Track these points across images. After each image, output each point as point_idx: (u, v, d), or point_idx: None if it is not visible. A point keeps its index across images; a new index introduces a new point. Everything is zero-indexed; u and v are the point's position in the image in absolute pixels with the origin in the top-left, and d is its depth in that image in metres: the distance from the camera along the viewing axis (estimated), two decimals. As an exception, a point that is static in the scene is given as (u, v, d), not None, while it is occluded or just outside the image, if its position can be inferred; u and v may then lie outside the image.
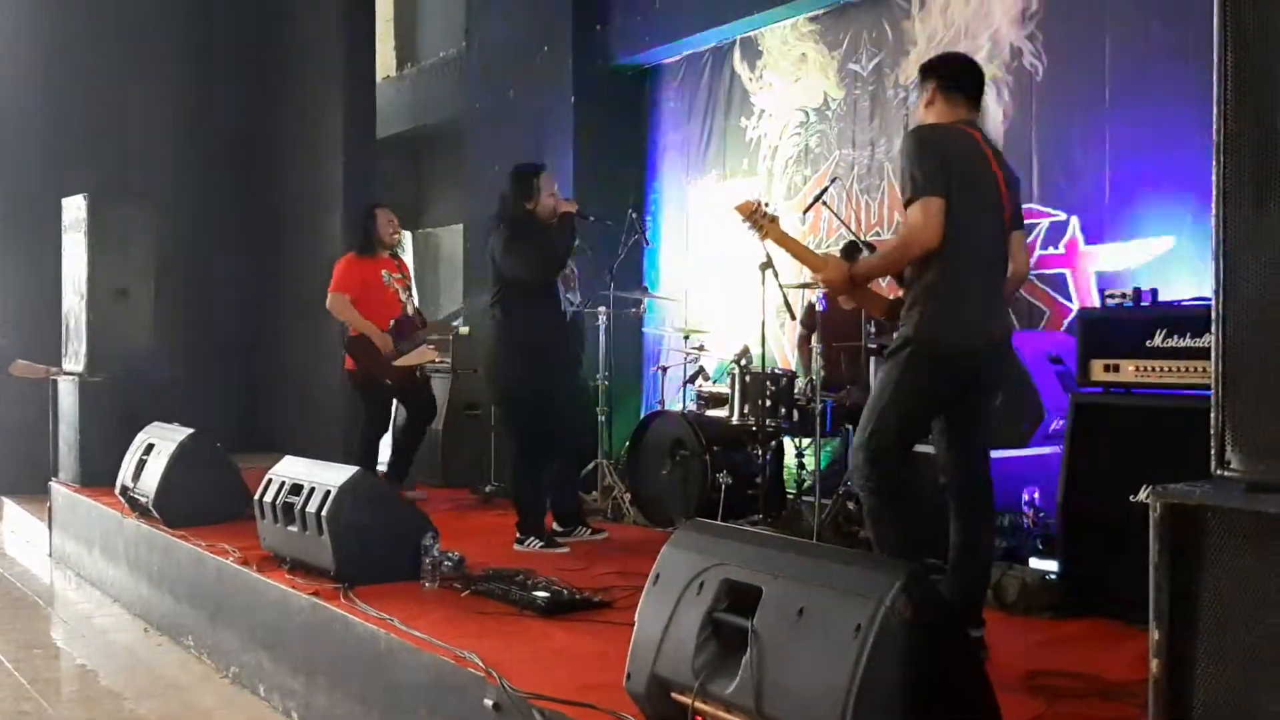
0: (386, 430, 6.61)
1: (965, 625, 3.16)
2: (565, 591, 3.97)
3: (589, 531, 5.32)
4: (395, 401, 6.55)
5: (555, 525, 5.29)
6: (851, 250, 6.10)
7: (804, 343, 6.27)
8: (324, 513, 4.19)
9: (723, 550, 2.60)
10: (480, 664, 3.14)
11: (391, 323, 6.23)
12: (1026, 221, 3.84)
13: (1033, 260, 5.27)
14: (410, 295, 6.42)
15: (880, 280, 4.06)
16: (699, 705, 2.43)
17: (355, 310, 6.18)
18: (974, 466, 3.40)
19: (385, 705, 3.52)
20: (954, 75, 3.40)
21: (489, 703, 3.02)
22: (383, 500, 4.38)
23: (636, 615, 2.68)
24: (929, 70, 3.45)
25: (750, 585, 2.45)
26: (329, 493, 4.23)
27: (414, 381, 6.47)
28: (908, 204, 3.21)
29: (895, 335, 3.35)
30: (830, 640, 2.21)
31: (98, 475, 6.76)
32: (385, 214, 6.41)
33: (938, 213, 3.13)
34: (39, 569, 6.98)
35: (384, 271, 6.29)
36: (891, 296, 3.51)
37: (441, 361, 7.03)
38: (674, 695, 2.52)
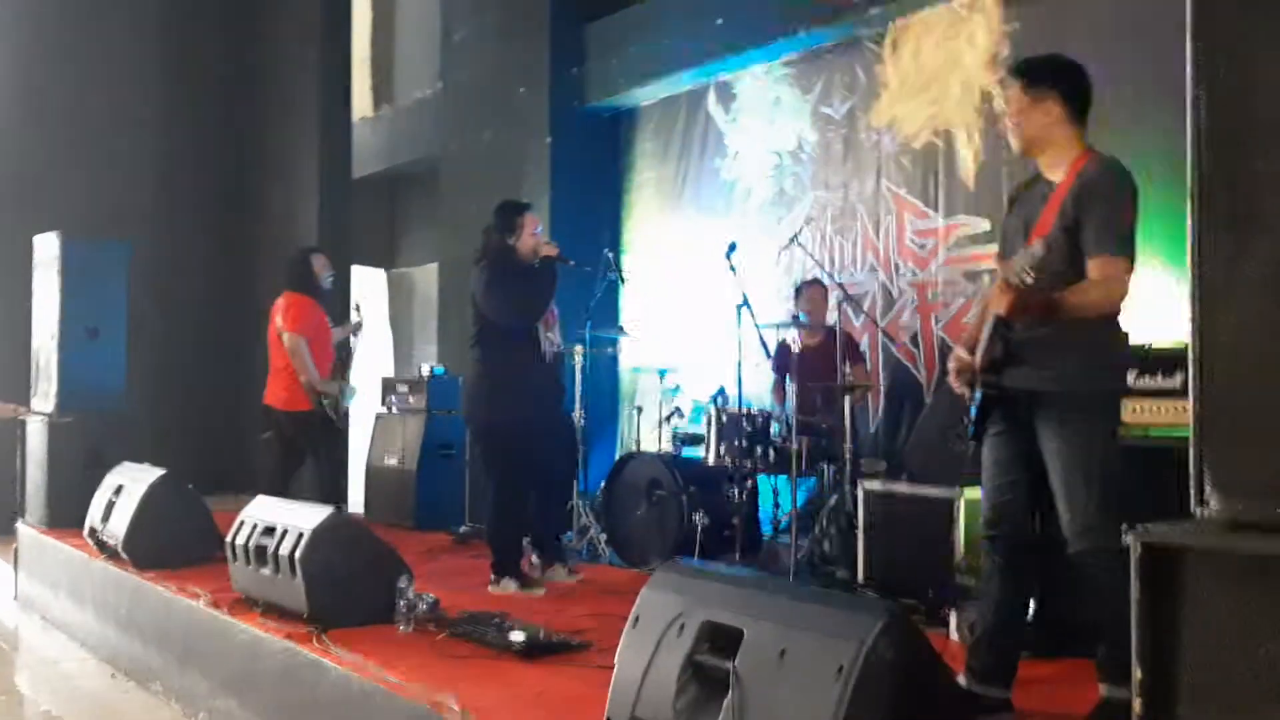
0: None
1: (1000, 683, 3.13)
2: (542, 633, 3.93)
3: (566, 572, 5.29)
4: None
5: (533, 556, 5.29)
6: (802, 287, 6.16)
7: (778, 387, 6.29)
8: (297, 554, 4.14)
9: (703, 592, 2.59)
10: (456, 709, 3.11)
11: (330, 366, 6.24)
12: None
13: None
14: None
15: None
16: (680, 749, 2.42)
17: (311, 355, 6.12)
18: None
19: (360, 751, 3.47)
20: (1085, 93, 3.11)
21: (466, 748, 2.99)
22: (357, 542, 4.34)
23: (616, 657, 2.66)
24: (1057, 77, 3.08)
25: (731, 627, 2.44)
26: (302, 534, 4.19)
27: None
28: (1108, 253, 2.91)
29: (1030, 384, 3.01)
30: (812, 682, 2.21)
31: (66, 517, 6.65)
32: (321, 259, 6.42)
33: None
34: (3, 613, 6.85)
35: (327, 317, 6.33)
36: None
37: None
38: (654, 739, 2.50)
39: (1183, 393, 3.75)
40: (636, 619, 2.67)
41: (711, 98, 7.59)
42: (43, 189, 8.76)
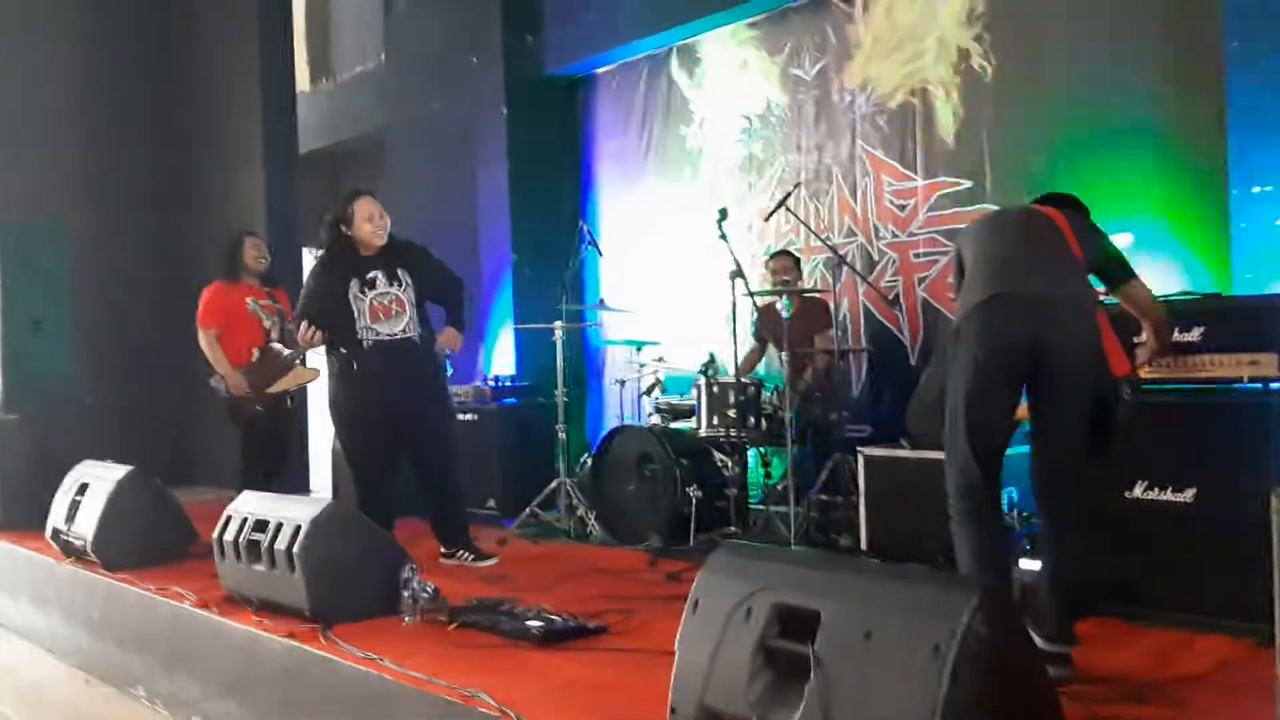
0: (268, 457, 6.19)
1: (1062, 640, 3.13)
2: (559, 619, 3.80)
3: (471, 557, 5.18)
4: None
5: (441, 547, 5.26)
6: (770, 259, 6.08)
7: (754, 355, 6.19)
8: (295, 549, 3.95)
9: (768, 573, 2.48)
10: (493, 703, 2.97)
11: (255, 351, 5.96)
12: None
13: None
14: (276, 321, 6.07)
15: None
16: (758, 737, 2.31)
17: (218, 346, 5.91)
18: (1050, 460, 3.28)
19: (386, 752, 3.31)
20: None
21: (507, 744, 2.86)
22: (357, 532, 4.15)
23: (676, 644, 2.54)
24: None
25: (806, 609, 2.33)
26: (299, 527, 4.00)
27: (283, 410, 6.16)
28: None
29: None
30: (906, 663, 2.11)
31: (19, 518, 6.38)
32: (253, 241, 6.20)
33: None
34: (-50, 620, 6.51)
35: (249, 299, 6.04)
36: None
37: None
38: (728, 728, 2.39)
39: (1203, 347, 3.72)
40: (696, 603, 2.55)
41: (674, 62, 7.42)
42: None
